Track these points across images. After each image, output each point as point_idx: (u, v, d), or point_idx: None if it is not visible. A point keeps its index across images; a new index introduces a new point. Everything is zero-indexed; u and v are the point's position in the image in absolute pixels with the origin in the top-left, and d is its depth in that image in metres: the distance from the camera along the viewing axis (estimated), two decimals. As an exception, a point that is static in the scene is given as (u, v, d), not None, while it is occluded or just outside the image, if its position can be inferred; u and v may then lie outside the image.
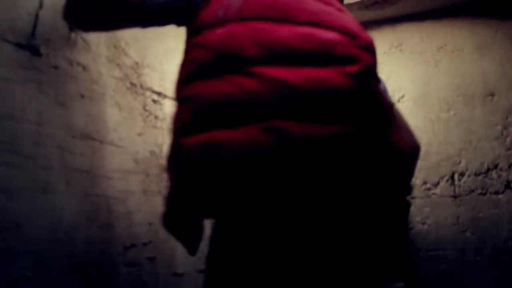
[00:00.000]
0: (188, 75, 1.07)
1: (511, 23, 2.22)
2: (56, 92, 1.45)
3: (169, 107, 1.98)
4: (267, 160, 0.94)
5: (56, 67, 1.45)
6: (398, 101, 2.41)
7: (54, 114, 1.43)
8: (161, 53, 1.96)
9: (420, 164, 2.10)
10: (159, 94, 1.93)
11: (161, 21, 1.30)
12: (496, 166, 2.21)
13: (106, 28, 1.38)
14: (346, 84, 0.97)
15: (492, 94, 2.22)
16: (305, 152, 0.93)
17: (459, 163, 2.26)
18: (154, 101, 1.90)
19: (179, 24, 1.29)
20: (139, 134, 1.80)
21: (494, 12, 2.24)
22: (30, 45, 1.37)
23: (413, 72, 2.42)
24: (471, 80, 2.31)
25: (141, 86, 1.83)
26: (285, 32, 1.03)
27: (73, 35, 1.53)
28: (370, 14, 2.43)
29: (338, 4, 1.18)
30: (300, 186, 0.96)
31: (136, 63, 1.81)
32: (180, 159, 1.03)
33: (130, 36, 1.78)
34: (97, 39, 1.62)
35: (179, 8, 1.24)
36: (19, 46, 1.34)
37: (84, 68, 1.56)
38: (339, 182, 0.97)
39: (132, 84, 1.78)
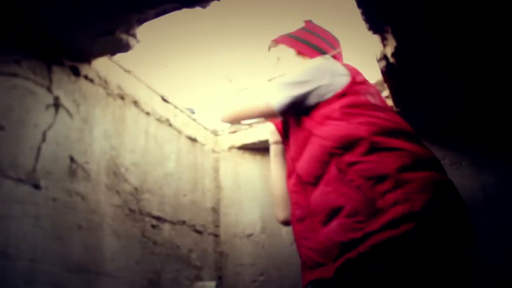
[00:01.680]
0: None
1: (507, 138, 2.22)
2: (53, 225, 1.41)
3: (168, 231, 1.93)
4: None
5: (54, 200, 1.43)
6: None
7: (49, 248, 1.38)
8: (161, 177, 1.96)
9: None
10: (158, 218, 1.89)
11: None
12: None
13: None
14: None
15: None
16: None
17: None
18: (153, 226, 1.86)
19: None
20: (137, 262, 1.73)
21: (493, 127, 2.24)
22: (30, 179, 1.37)
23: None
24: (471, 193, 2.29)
25: (140, 212, 1.80)
26: None
27: (73, 165, 1.53)
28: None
29: None
30: None
31: (136, 189, 1.80)
32: None
33: (130, 162, 1.79)
34: (97, 167, 1.63)
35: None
36: (19, 181, 1.33)
37: (83, 198, 1.54)
38: None
39: (131, 210, 1.75)
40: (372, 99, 1.24)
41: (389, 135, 1.14)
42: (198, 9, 1.42)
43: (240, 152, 2.48)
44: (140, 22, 1.45)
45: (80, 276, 1.46)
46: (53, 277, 1.36)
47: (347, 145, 1.14)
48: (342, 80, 1.24)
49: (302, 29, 1.55)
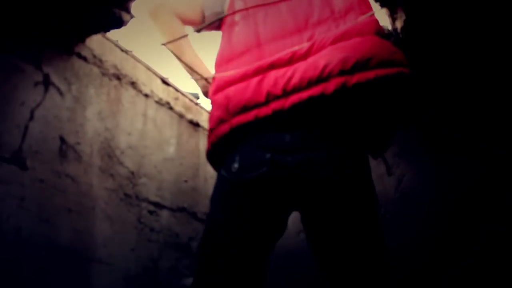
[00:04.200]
0: None
1: None
2: (40, 207, 1.35)
3: (166, 218, 1.86)
4: None
5: (42, 181, 1.37)
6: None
7: (35, 231, 1.31)
8: (160, 161, 1.89)
9: None
10: (156, 204, 1.82)
11: None
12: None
13: None
14: None
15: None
16: None
17: None
18: (151, 212, 1.79)
19: None
20: (132, 249, 1.66)
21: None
22: (16, 158, 1.31)
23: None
24: None
25: (137, 197, 1.73)
26: None
27: (64, 146, 1.47)
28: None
29: None
30: None
31: (132, 173, 1.72)
32: None
33: (126, 145, 1.72)
34: (90, 149, 1.56)
35: None
36: (2, 160, 1.26)
37: (74, 180, 1.48)
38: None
39: (127, 195, 1.68)
40: None
41: None
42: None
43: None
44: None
45: (68, 261, 1.39)
46: (38, 262, 1.30)
47: None
48: None
49: None
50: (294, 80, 1.09)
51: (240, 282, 1.07)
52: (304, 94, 1.09)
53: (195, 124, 2.15)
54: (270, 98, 1.10)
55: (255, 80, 1.13)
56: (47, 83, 1.45)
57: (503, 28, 1.40)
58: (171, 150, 1.96)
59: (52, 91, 1.46)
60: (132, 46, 1.84)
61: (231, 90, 1.14)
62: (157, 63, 2.01)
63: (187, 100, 2.11)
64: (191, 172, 2.07)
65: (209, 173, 2.21)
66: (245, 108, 1.12)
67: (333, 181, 1.07)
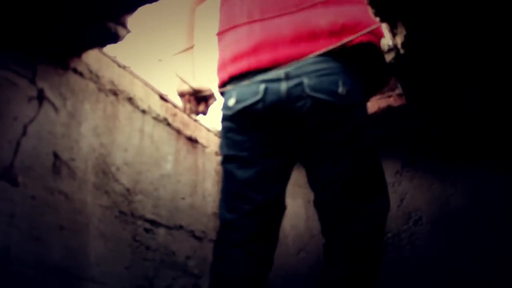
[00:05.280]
0: None
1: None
2: (31, 224, 1.31)
3: (163, 236, 1.82)
4: None
5: (33, 197, 1.34)
6: (415, 224, 2.21)
7: (25, 249, 1.28)
8: (157, 178, 1.85)
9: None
10: (152, 222, 1.78)
11: None
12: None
13: None
14: None
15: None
16: None
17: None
18: (146, 230, 1.75)
19: None
20: (126, 268, 1.62)
21: None
22: (7, 174, 1.28)
23: (430, 192, 2.26)
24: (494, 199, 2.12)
25: (132, 214, 1.70)
26: None
27: (57, 162, 1.44)
28: (379, 131, 2.34)
29: None
30: None
31: (127, 190, 1.69)
32: None
33: (122, 161, 1.69)
34: (84, 165, 1.53)
35: None
36: (-8, 176, 1.24)
37: (67, 197, 1.45)
38: None
39: (122, 212, 1.65)
40: None
41: None
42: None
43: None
44: (128, 10, 1.36)
45: (59, 280, 1.36)
46: (28, 281, 1.26)
47: None
48: None
49: None
50: (285, 31, 1.26)
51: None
52: (294, 50, 1.22)
53: (194, 141, 2.12)
54: (259, 49, 1.28)
55: (246, 32, 1.32)
56: (41, 98, 1.43)
57: (506, 36, 1.37)
58: (168, 166, 1.93)
59: (46, 106, 1.44)
60: (130, 61, 1.83)
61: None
62: (156, 79, 1.98)
63: (185, 116, 2.08)
64: (188, 190, 2.03)
65: (207, 191, 2.17)
66: (236, 59, 1.32)
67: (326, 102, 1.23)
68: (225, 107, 1.35)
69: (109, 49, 1.70)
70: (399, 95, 2.01)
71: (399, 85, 1.75)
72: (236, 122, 1.32)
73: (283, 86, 1.22)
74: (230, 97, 1.33)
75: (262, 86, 1.24)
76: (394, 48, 1.49)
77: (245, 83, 1.27)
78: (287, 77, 1.23)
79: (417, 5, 1.24)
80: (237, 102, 1.30)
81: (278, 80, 1.24)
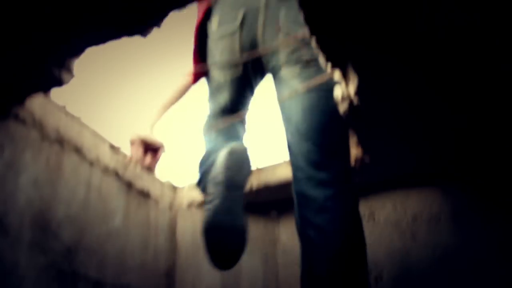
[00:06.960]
0: None
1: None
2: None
3: (108, 298, 1.67)
4: None
5: (-45, 257, 1.19)
6: (376, 280, 2.13)
7: None
8: (103, 234, 1.72)
9: None
10: (96, 283, 1.63)
11: None
12: None
13: None
14: None
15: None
16: None
17: None
18: (89, 292, 1.59)
19: None
20: (64, 336, 1.45)
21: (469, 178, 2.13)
22: None
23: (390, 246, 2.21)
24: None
25: (73, 274, 1.55)
26: None
27: (-12, 217, 1.31)
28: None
29: None
30: None
31: (69, 247, 1.55)
32: None
33: (64, 216, 1.56)
34: (20, 221, 1.40)
35: None
36: None
37: (-4, 257, 1.30)
38: None
39: (61, 271, 1.50)
40: None
41: None
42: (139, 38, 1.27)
43: (201, 210, 2.26)
44: (73, 54, 1.30)
45: None
46: None
47: None
48: None
49: None
50: None
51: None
52: None
53: (146, 194, 2.01)
54: None
55: None
56: (-26, 146, 1.32)
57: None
58: (116, 221, 1.80)
59: (-21, 155, 1.32)
60: (81, 109, 1.74)
61: None
62: (107, 129, 1.89)
63: (137, 168, 1.99)
64: (139, 246, 1.90)
65: (160, 247, 2.04)
66: None
67: None
68: (210, 31, 1.64)
69: (60, 95, 1.63)
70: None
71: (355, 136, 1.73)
72: (218, 44, 1.63)
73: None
74: (213, 21, 1.62)
75: (241, 11, 1.55)
76: (347, 98, 1.48)
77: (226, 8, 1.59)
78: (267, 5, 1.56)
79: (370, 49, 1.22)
80: (218, 25, 1.58)
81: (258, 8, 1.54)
